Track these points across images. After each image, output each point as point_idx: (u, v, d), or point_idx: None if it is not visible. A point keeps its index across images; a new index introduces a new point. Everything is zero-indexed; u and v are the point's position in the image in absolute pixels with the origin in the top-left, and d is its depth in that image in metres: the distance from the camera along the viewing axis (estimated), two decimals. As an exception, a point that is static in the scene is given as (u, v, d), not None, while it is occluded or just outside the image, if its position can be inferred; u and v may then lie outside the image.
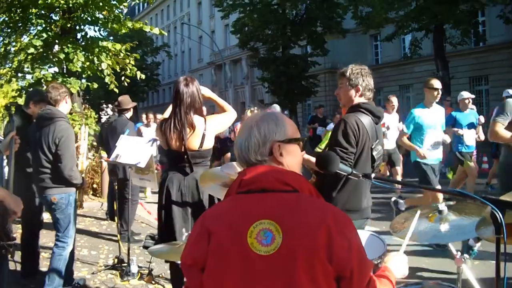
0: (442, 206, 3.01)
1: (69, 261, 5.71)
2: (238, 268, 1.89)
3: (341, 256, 1.88)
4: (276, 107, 11.59)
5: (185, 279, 2.17)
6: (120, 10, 13.79)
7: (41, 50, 12.35)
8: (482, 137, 10.30)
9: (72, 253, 5.80)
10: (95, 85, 12.82)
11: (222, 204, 2.16)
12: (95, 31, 14.03)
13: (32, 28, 12.93)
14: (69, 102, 5.84)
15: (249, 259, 1.89)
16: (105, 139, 8.87)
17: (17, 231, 6.59)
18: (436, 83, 7.79)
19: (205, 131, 4.67)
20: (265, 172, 2.04)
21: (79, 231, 9.04)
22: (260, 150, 2.10)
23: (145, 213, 10.60)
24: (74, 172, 5.51)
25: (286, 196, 1.99)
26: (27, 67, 12.71)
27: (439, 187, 8.02)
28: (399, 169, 11.40)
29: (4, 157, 4.06)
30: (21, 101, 12.15)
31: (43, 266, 6.40)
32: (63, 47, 12.02)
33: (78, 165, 6.46)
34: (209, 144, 4.72)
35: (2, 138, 6.86)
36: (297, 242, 1.87)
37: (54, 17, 13.06)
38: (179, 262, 3.99)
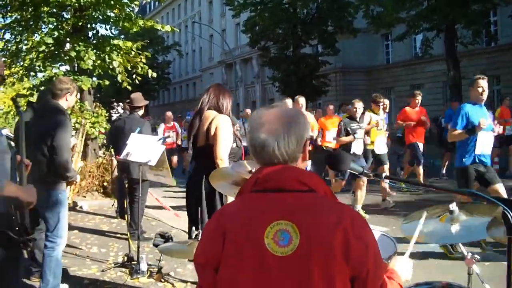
0: (453, 206, 3.00)
1: None
2: (254, 268, 1.89)
3: (358, 257, 1.88)
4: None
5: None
6: (131, 9, 13.87)
7: (52, 48, 12.42)
8: None
9: (59, 261, 5.55)
10: (106, 82, 12.88)
11: (238, 203, 2.11)
12: (107, 30, 14.10)
13: (43, 26, 12.99)
14: (70, 99, 5.65)
15: (266, 260, 1.88)
16: (115, 136, 8.88)
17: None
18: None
19: (210, 124, 4.77)
20: (282, 171, 2.02)
21: (89, 229, 9.09)
22: (297, 148, 2.07)
23: (155, 211, 10.62)
24: (69, 164, 5.37)
25: (304, 196, 1.98)
26: (39, 66, 12.76)
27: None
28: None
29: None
30: (32, 99, 12.22)
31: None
32: (75, 45, 12.07)
33: (73, 162, 6.39)
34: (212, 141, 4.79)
35: (12, 135, 6.82)
36: (314, 243, 1.87)
37: (65, 16, 13.13)
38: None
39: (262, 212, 1.96)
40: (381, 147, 10.77)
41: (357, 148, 9.99)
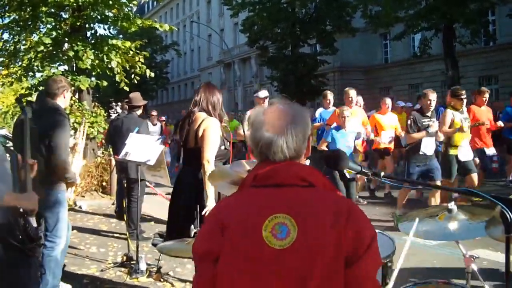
0: (452, 205, 3.01)
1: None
2: (252, 261, 1.90)
3: (353, 249, 1.91)
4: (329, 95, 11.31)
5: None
6: (129, 8, 13.87)
7: (50, 48, 12.41)
8: None
9: (59, 262, 5.55)
10: (105, 83, 12.88)
11: (236, 197, 2.13)
12: (105, 29, 14.10)
13: (42, 26, 13.00)
14: (67, 96, 5.68)
15: (264, 253, 1.89)
16: (113, 136, 8.88)
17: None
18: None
19: (198, 127, 4.82)
20: (284, 168, 2.03)
21: (88, 229, 9.09)
22: (304, 145, 2.08)
23: (154, 211, 10.61)
24: (68, 165, 5.36)
25: (302, 190, 1.99)
26: (37, 65, 12.75)
27: None
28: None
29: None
30: (31, 99, 12.22)
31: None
32: (73, 45, 12.08)
33: (73, 163, 6.37)
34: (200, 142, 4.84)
35: (10, 135, 6.77)
36: (312, 236, 1.89)
37: (63, 15, 13.15)
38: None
39: (259, 207, 1.97)
40: (467, 152, 8.86)
41: (427, 147, 8.56)
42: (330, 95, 11.11)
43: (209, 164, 4.68)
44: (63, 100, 5.63)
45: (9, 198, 3.19)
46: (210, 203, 4.61)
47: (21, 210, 3.27)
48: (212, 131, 4.82)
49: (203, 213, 4.57)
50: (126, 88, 12.60)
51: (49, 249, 5.34)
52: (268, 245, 1.89)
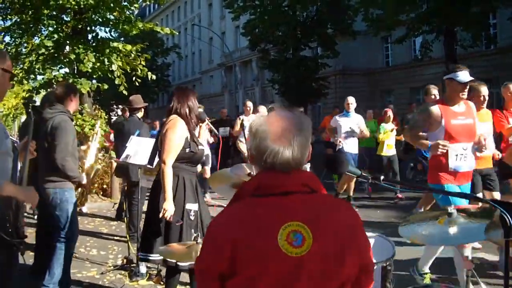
0: (452, 208, 3.00)
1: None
2: (272, 271, 1.89)
3: (366, 250, 2.02)
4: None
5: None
6: (131, 11, 13.87)
7: (52, 50, 12.44)
8: None
9: (69, 257, 5.67)
10: (105, 86, 12.89)
11: (242, 209, 2.05)
12: (106, 32, 14.12)
13: (43, 29, 13.02)
14: (75, 101, 5.79)
15: (282, 262, 1.89)
16: (115, 139, 8.91)
17: (27, 230, 6.60)
18: None
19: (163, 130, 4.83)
20: (288, 176, 2.02)
21: (88, 232, 9.09)
22: (307, 152, 2.07)
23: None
24: (67, 162, 5.38)
25: (308, 197, 2.01)
26: (38, 68, 12.77)
27: None
28: None
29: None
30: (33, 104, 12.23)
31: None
32: (74, 47, 12.11)
33: (85, 164, 6.42)
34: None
35: (16, 139, 6.83)
36: (328, 241, 1.93)
37: (65, 18, 13.16)
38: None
39: (270, 216, 1.95)
40: None
41: None
42: (434, 90, 8.73)
43: (166, 165, 4.60)
44: (71, 104, 5.74)
45: (8, 188, 3.20)
46: (167, 205, 4.57)
47: (14, 203, 3.28)
48: (172, 132, 4.71)
49: (160, 215, 4.55)
50: (124, 92, 12.62)
51: (61, 243, 5.47)
52: (285, 253, 1.88)
